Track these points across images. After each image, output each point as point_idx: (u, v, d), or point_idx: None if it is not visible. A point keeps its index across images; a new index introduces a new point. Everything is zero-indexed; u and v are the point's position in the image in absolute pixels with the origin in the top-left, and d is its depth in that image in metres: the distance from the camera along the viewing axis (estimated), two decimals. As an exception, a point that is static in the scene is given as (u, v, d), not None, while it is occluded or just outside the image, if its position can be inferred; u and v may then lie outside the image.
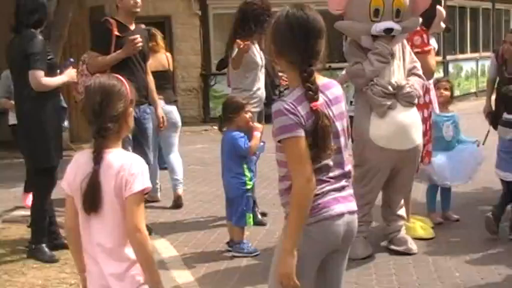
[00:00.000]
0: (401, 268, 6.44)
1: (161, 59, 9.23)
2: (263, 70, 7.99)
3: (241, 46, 7.38)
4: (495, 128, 8.12)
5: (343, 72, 7.91)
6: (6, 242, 7.57)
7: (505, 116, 7.46)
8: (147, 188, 3.50)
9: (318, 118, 3.42)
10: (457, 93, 17.85)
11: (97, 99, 3.50)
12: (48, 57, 6.88)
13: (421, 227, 7.35)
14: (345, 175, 3.66)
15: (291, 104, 3.42)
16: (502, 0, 26.96)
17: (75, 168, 3.58)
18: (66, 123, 7.92)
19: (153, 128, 7.74)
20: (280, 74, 8.59)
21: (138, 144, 7.11)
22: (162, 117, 7.83)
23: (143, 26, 8.11)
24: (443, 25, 8.07)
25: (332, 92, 3.59)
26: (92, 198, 3.44)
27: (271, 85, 8.41)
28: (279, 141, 3.48)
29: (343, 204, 3.60)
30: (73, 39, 10.95)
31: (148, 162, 3.62)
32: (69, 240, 3.85)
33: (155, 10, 16.77)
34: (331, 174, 3.58)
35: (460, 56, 23.09)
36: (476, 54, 24.29)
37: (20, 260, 6.89)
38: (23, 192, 8.45)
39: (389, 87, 6.37)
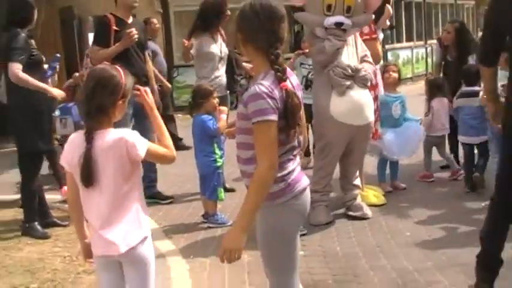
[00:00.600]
0: (359, 231, 6.57)
1: None
2: (223, 61, 8.04)
3: (185, 44, 7.69)
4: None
5: (291, 60, 8.11)
6: (4, 224, 7.53)
7: (466, 89, 7.79)
8: (148, 146, 3.58)
9: (288, 97, 3.35)
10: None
11: (91, 85, 3.54)
12: (33, 53, 6.86)
13: (374, 195, 7.53)
14: (298, 153, 3.65)
15: (268, 87, 3.32)
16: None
17: (72, 148, 3.61)
18: (57, 113, 7.85)
19: None
20: (244, 64, 8.75)
21: (138, 123, 7.17)
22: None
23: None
24: (388, 22, 8.20)
25: (293, 78, 3.59)
26: (88, 174, 3.48)
27: (232, 75, 8.54)
28: (253, 124, 3.36)
29: (305, 176, 3.62)
30: (45, 38, 10.88)
31: (149, 138, 3.69)
32: (71, 211, 3.88)
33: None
34: (295, 152, 3.56)
35: (397, 45, 23.33)
36: (411, 43, 24.53)
37: (15, 237, 6.89)
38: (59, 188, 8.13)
39: (349, 70, 6.51)
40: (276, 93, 3.32)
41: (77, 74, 10.88)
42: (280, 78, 3.36)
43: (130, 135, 3.55)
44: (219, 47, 7.92)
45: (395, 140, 7.75)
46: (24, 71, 6.68)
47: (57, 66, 8.08)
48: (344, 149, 6.89)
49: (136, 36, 7.38)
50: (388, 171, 8.11)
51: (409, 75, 22.11)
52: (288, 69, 3.55)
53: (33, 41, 7.01)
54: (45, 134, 7.02)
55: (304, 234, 6.34)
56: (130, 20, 7.71)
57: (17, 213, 7.58)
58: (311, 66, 7.94)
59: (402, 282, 5.29)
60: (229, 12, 7.97)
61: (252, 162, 3.43)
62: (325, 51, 6.60)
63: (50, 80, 7.63)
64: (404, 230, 6.59)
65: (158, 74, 9.63)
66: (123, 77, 3.62)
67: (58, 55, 8.16)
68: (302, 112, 3.68)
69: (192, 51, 7.87)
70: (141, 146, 3.51)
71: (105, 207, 3.55)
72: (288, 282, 3.58)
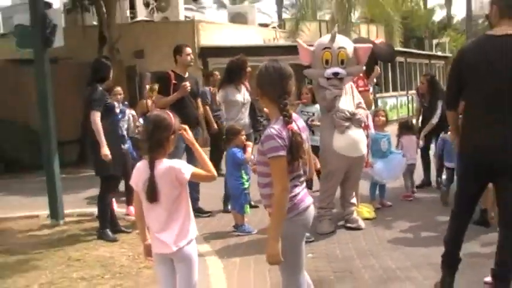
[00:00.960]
0: (355, 238, 6.59)
1: None
2: (246, 106, 7.97)
3: (185, 87, 7.50)
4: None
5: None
6: (82, 229, 7.66)
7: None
8: (192, 171, 3.67)
9: (293, 136, 3.40)
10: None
11: (150, 127, 3.67)
12: (107, 102, 6.96)
13: (367, 211, 7.53)
14: (305, 179, 3.70)
15: (278, 130, 3.40)
16: (411, 56, 27.48)
17: (138, 173, 3.72)
18: (127, 146, 7.90)
19: None
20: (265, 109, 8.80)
21: (188, 154, 6.92)
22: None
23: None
24: (375, 80, 8.35)
25: (300, 122, 3.64)
26: (151, 193, 3.58)
27: (254, 117, 8.55)
28: (268, 158, 3.42)
29: (309, 197, 3.65)
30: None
31: (195, 165, 3.80)
32: (137, 220, 3.93)
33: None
34: (301, 179, 3.61)
35: (385, 94, 23.28)
36: (396, 93, 24.49)
37: (93, 240, 6.98)
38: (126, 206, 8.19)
39: (348, 113, 6.56)
40: (284, 134, 3.40)
41: None
42: (287, 121, 3.44)
43: (177, 163, 3.66)
44: (242, 96, 7.89)
45: (383, 168, 7.80)
46: (103, 114, 6.80)
47: (126, 110, 8.32)
48: (343, 176, 6.90)
49: (189, 88, 7.51)
50: (377, 192, 8.11)
51: (394, 118, 22.01)
52: (295, 115, 3.61)
53: (107, 93, 7.12)
54: (117, 162, 7.01)
55: (312, 241, 6.41)
56: (186, 75, 7.83)
57: (93, 223, 7.64)
58: (309, 113, 7.94)
59: (387, 277, 5.29)
60: (249, 69, 8.00)
61: (268, 186, 3.51)
62: (326, 98, 6.67)
63: (121, 122, 7.85)
64: (389, 237, 6.61)
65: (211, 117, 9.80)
66: (172, 118, 3.73)
67: (126, 103, 8.38)
68: (308, 147, 3.76)
69: (218, 98, 7.99)
70: (187, 170, 3.61)
71: (163, 217, 3.63)
72: (296, 278, 3.62)
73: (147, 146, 3.65)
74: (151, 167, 3.60)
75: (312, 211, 3.67)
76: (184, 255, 3.69)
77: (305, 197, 3.61)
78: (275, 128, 3.44)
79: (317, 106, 7.55)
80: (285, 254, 3.46)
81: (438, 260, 4.83)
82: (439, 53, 35.74)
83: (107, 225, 7.05)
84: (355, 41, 7.36)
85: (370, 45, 7.06)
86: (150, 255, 3.85)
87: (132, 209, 7.74)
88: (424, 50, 37.61)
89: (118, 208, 7.89)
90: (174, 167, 3.61)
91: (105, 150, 6.71)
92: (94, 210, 7.67)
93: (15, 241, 7.25)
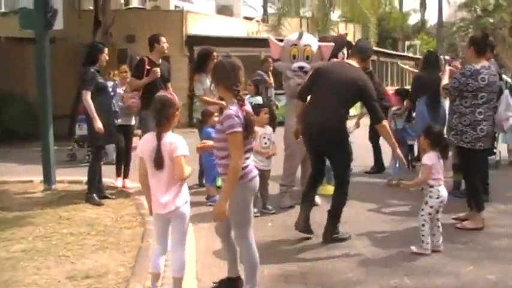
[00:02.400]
0: (313, 212, 6.52)
1: None
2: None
3: (155, 72, 7.76)
4: None
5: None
6: (71, 194, 8.10)
7: None
8: (184, 154, 4.07)
9: (246, 115, 3.92)
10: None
11: (158, 106, 4.12)
12: (99, 82, 7.39)
13: (324, 189, 7.70)
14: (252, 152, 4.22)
15: (235, 111, 3.89)
16: (384, 56, 28.04)
17: (145, 143, 4.18)
18: (119, 120, 8.33)
19: None
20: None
21: None
22: None
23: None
24: None
25: (248, 106, 4.07)
26: (158, 160, 4.05)
27: None
28: (227, 134, 3.87)
29: (255, 169, 4.17)
30: (106, 71, 11.49)
31: None
32: (142, 185, 4.33)
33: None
34: (251, 153, 4.14)
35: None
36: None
37: (80, 203, 7.41)
38: (122, 179, 8.55)
39: None
40: (240, 114, 3.91)
41: None
42: (241, 104, 3.96)
43: (178, 141, 4.09)
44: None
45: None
46: (94, 93, 7.25)
47: (117, 89, 8.80)
48: (303, 157, 7.18)
49: (159, 73, 7.77)
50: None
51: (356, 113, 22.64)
52: (245, 99, 4.09)
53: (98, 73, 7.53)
54: (106, 135, 7.42)
55: (273, 213, 6.96)
56: (159, 62, 8.06)
57: (81, 189, 8.09)
58: (252, 103, 8.14)
59: (333, 244, 5.79)
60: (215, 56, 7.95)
61: (225, 158, 3.99)
62: (290, 86, 7.14)
63: (114, 99, 8.34)
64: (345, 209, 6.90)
65: None
66: (176, 98, 4.24)
67: (116, 83, 8.88)
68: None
69: (196, 91, 8.24)
70: (180, 151, 4.06)
71: (164, 181, 4.10)
72: (247, 230, 4.14)
73: (156, 121, 4.11)
74: (159, 138, 4.07)
75: (257, 181, 4.18)
76: (181, 213, 4.18)
77: (253, 168, 4.14)
78: (232, 109, 3.93)
79: (259, 98, 8.33)
80: (238, 212, 4.05)
81: (377, 231, 5.38)
82: (411, 54, 36.44)
83: (94, 191, 7.50)
84: (322, 39, 7.94)
85: (333, 43, 7.56)
86: (151, 213, 4.32)
87: (127, 181, 8.34)
88: (398, 51, 38.27)
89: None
90: (174, 143, 4.06)
91: (98, 124, 7.20)
92: (83, 178, 8.15)
93: (12, 201, 7.72)
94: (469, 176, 6.59)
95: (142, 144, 4.23)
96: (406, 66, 19.47)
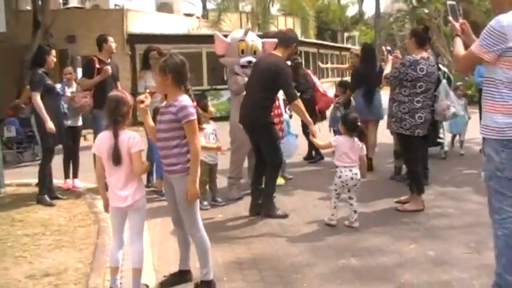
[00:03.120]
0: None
1: None
2: None
3: (106, 71, 7.87)
4: None
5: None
6: (22, 196, 8.09)
7: None
8: (141, 149, 4.25)
9: (196, 110, 4.30)
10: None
11: (113, 104, 4.25)
12: (47, 83, 7.45)
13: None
14: None
15: (190, 101, 4.18)
16: (324, 48, 28.58)
17: (101, 141, 4.30)
18: (69, 122, 8.40)
19: None
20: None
21: None
22: None
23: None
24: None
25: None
26: (116, 157, 4.18)
27: None
28: (185, 123, 4.08)
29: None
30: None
31: None
32: (98, 180, 4.49)
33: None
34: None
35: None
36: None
37: (32, 205, 7.44)
38: (71, 178, 8.62)
39: None
40: (192, 105, 4.21)
41: (17, 101, 12.25)
42: (192, 99, 4.25)
43: (133, 138, 4.24)
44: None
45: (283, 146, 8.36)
46: (43, 95, 7.31)
47: (65, 88, 8.88)
48: (249, 150, 7.35)
49: (110, 71, 7.92)
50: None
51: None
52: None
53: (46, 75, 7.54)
54: (57, 137, 7.51)
55: (223, 205, 7.16)
56: (108, 60, 8.20)
57: (33, 191, 8.04)
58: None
59: (282, 231, 6.05)
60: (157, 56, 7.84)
61: (177, 146, 4.19)
62: (237, 82, 7.35)
63: (63, 97, 8.44)
64: (288, 202, 7.29)
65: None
66: (128, 96, 4.34)
67: (64, 80, 8.94)
68: None
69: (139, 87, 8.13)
70: (137, 146, 4.22)
71: (124, 176, 4.24)
72: (198, 219, 4.35)
73: (111, 119, 4.24)
74: (116, 135, 4.20)
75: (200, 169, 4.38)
76: (139, 207, 4.34)
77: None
78: (186, 100, 4.18)
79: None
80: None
81: (324, 216, 5.66)
82: (349, 45, 37.22)
83: (45, 192, 7.55)
84: (264, 35, 8.23)
85: (276, 40, 7.81)
86: (107, 209, 4.44)
87: (76, 181, 8.45)
88: (337, 43, 39.02)
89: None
90: (132, 139, 4.22)
91: (50, 124, 7.29)
92: (31, 180, 8.20)
93: (-38, 207, 7.65)
94: (409, 161, 6.97)
95: (99, 143, 4.35)
96: (328, 65, 20.13)
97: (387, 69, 6.96)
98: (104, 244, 5.55)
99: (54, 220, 6.76)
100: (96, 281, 4.64)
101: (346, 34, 45.59)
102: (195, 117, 4.16)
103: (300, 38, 28.01)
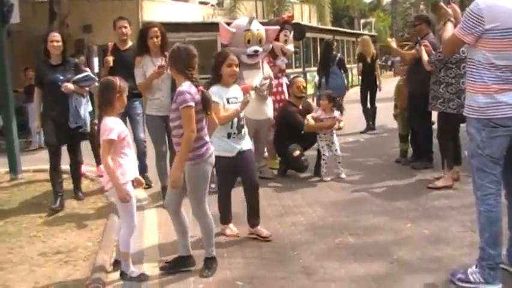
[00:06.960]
0: (263, 183, 6.90)
1: None
2: (167, 82, 6.64)
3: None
4: None
5: None
6: (38, 182, 8.37)
7: None
8: (108, 139, 4.15)
9: (203, 93, 4.28)
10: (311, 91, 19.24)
11: (100, 89, 4.39)
12: (45, 77, 6.87)
13: (275, 162, 8.44)
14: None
15: (187, 88, 4.17)
16: (340, 34, 28.54)
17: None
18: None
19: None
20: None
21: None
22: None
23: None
24: (292, 49, 8.84)
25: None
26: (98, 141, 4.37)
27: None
28: (180, 109, 4.10)
29: (212, 146, 4.51)
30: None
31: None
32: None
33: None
34: (205, 131, 4.42)
35: (313, 68, 24.31)
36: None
37: (48, 190, 7.53)
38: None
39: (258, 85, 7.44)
40: (192, 91, 4.19)
41: None
42: (197, 84, 4.29)
43: (108, 125, 4.18)
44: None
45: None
46: (44, 88, 6.91)
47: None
48: (255, 135, 7.50)
49: (110, 63, 7.31)
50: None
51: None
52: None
53: None
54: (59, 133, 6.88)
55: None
56: (126, 47, 7.59)
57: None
58: None
59: (284, 212, 6.28)
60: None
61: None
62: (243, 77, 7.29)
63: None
64: (290, 184, 7.51)
65: None
66: (118, 81, 4.30)
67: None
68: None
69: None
70: (103, 135, 4.16)
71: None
72: (204, 202, 4.48)
73: (98, 103, 4.34)
74: (99, 121, 4.34)
75: (214, 157, 4.55)
76: (112, 194, 4.45)
77: (211, 145, 4.51)
78: (184, 86, 4.23)
79: None
80: (199, 186, 4.39)
81: (326, 199, 5.82)
82: (366, 32, 37.10)
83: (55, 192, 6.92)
84: (266, 23, 8.40)
85: (278, 27, 7.99)
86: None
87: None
88: (354, 29, 38.87)
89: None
90: (104, 126, 4.20)
91: (36, 123, 7.23)
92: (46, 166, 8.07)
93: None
94: (445, 139, 7.16)
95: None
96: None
97: (424, 56, 7.14)
98: (113, 224, 5.79)
99: (68, 203, 7.03)
100: (104, 257, 4.89)
101: (362, 21, 45.39)
102: (189, 103, 4.14)
103: (316, 24, 28.13)
